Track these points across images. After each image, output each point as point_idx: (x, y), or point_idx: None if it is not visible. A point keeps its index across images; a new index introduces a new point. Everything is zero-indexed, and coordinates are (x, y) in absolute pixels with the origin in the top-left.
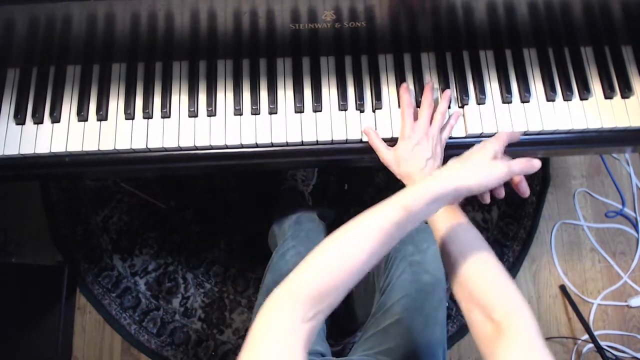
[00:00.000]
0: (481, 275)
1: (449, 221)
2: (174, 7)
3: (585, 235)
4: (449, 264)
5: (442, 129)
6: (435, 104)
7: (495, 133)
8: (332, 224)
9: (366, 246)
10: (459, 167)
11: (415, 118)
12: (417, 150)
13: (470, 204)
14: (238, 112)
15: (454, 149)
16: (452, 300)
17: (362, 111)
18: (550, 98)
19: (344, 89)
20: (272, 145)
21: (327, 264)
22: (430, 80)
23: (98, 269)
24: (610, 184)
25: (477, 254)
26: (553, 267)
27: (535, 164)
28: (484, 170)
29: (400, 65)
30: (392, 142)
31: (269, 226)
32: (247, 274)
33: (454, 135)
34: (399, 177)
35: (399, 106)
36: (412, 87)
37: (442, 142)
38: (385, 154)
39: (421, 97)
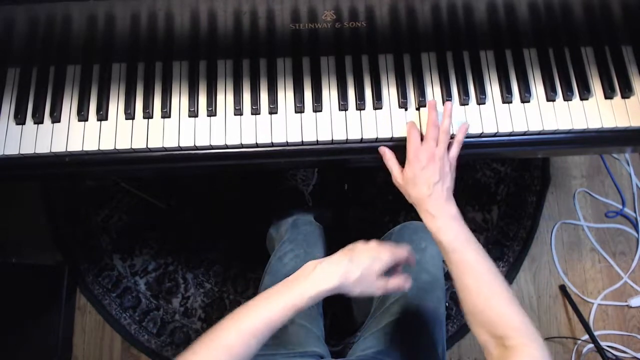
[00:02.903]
0: (495, 308)
1: (460, 252)
2: (174, 7)
3: (585, 235)
4: (464, 296)
5: (449, 147)
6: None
7: (496, 133)
8: (329, 225)
9: (253, 341)
10: (354, 271)
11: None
12: (423, 174)
13: (470, 204)
14: (238, 112)
15: None
16: (451, 299)
17: (362, 111)
18: (550, 98)
19: (344, 89)
20: (272, 145)
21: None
22: (433, 98)
23: (98, 269)
24: (610, 184)
25: (491, 287)
26: (553, 267)
27: (407, 286)
28: (367, 284)
29: (401, 65)
30: (391, 141)
31: (269, 226)
32: (247, 274)
33: (453, 134)
34: (410, 202)
35: (399, 106)
36: (412, 87)
37: (452, 161)
38: (397, 177)
39: (421, 98)
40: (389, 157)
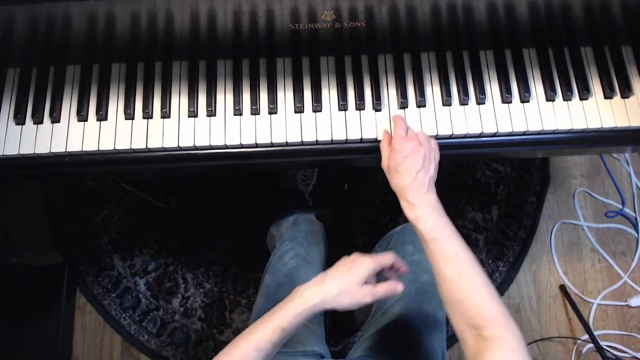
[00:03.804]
0: (473, 299)
1: (439, 241)
2: (174, 7)
3: (585, 235)
4: (443, 286)
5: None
6: None
7: (496, 133)
8: (330, 225)
9: None
10: (331, 285)
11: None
12: (406, 163)
13: (470, 204)
14: (238, 112)
15: (454, 149)
16: None
17: (361, 111)
18: (550, 98)
19: (343, 89)
20: (271, 145)
21: None
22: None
23: (98, 269)
24: (610, 184)
25: (471, 278)
26: (553, 267)
27: (398, 289)
28: (351, 295)
29: (400, 65)
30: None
31: (269, 226)
32: (247, 274)
33: (455, 134)
34: (392, 188)
35: (399, 106)
36: (411, 87)
37: (435, 151)
38: (384, 162)
39: (421, 98)
40: (385, 139)
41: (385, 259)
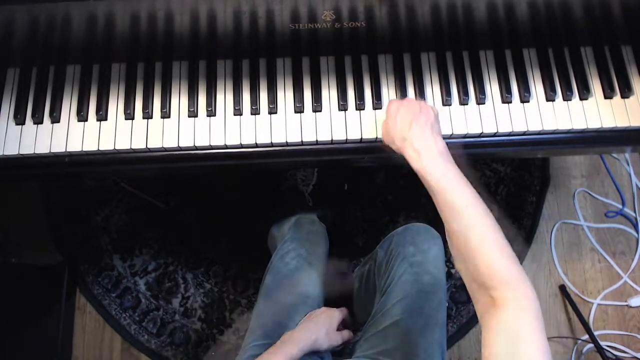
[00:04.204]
0: (484, 258)
1: (448, 193)
2: (174, 7)
3: (585, 235)
4: (452, 241)
5: None
6: None
7: (496, 133)
8: (330, 225)
9: None
10: (318, 328)
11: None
12: (401, 114)
13: None
14: (238, 112)
15: (454, 149)
16: (451, 299)
17: (361, 111)
18: (550, 98)
19: (343, 89)
20: (271, 145)
21: None
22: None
23: (98, 269)
24: (610, 184)
25: (481, 234)
26: (553, 267)
27: (350, 338)
28: (330, 337)
29: (400, 65)
30: None
31: (269, 226)
32: (247, 274)
33: (455, 134)
34: (397, 150)
35: None
36: (411, 87)
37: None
38: (383, 132)
39: (421, 97)
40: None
41: (345, 311)
